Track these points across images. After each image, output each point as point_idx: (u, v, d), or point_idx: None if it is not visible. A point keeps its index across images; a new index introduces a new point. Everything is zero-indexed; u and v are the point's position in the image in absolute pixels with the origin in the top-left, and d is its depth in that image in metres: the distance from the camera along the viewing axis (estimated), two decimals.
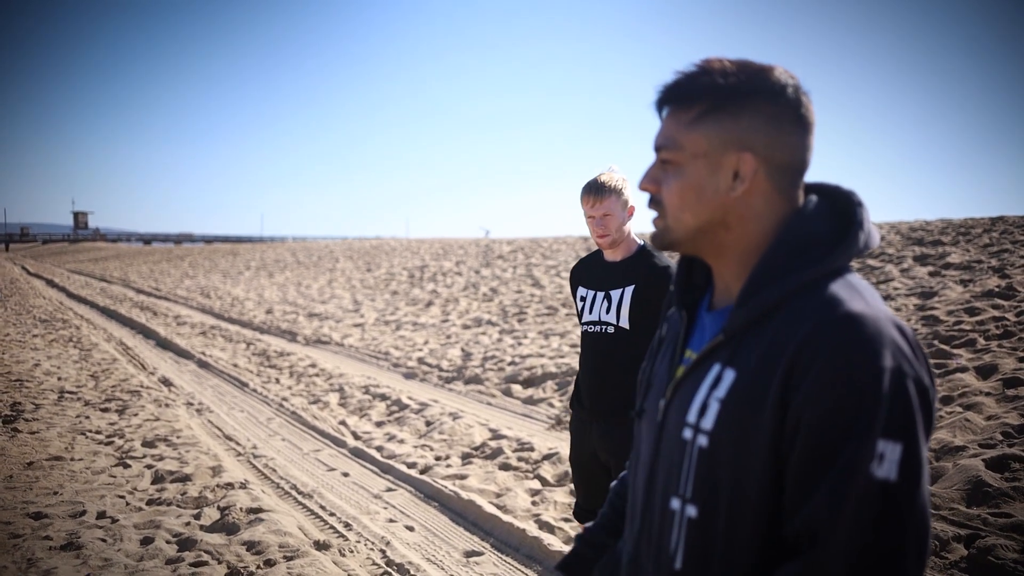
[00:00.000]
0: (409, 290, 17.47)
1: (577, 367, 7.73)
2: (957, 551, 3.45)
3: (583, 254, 20.50)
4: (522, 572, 3.63)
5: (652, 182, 1.05)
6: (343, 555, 3.74)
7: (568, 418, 6.26)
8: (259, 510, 4.21)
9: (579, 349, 8.98)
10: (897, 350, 0.89)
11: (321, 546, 3.80)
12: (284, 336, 12.31)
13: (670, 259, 2.68)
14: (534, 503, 4.51)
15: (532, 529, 4.00)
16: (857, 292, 0.95)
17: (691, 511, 0.99)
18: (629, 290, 2.63)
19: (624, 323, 2.63)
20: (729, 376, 0.97)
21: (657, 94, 1.04)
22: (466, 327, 11.78)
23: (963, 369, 6.00)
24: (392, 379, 8.51)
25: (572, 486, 4.68)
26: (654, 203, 1.06)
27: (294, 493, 4.75)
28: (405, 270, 21.81)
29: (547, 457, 5.18)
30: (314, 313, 14.80)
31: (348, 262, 26.86)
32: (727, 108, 0.99)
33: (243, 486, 4.66)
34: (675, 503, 1.02)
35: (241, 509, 4.21)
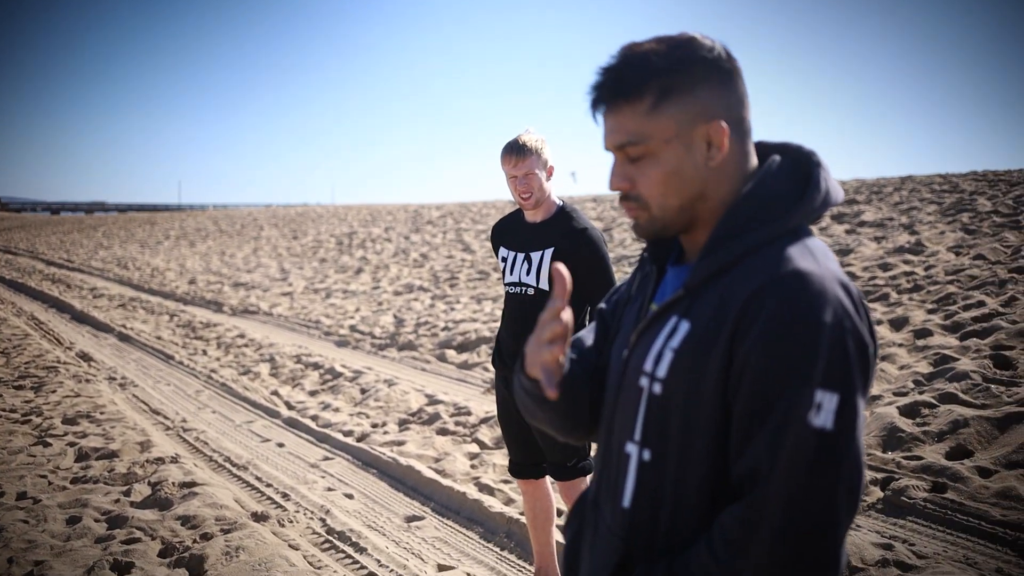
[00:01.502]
0: (338, 257, 17.18)
1: None
2: (874, 494, 3.66)
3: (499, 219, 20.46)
4: (463, 534, 3.68)
5: (625, 180, 1.05)
6: (282, 525, 3.70)
7: None
8: (192, 484, 4.12)
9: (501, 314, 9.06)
10: (839, 306, 0.93)
11: (259, 517, 3.76)
12: (209, 307, 11.96)
13: (589, 220, 2.73)
14: (473, 467, 4.55)
15: (472, 492, 4.04)
16: (808, 251, 0.99)
17: (645, 455, 1.04)
18: (548, 252, 2.66)
19: (544, 285, 2.67)
20: (684, 327, 1.02)
21: (596, 94, 1.03)
22: (397, 293, 11.68)
23: (877, 322, 6.31)
24: (324, 347, 8.39)
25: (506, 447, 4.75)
26: (630, 200, 1.06)
27: (228, 465, 4.66)
28: (333, 237, 21.41)
29: (484, 421, 5.23)
30: (240, 283, 14.41)
31: (273, 230, 26.18)
32: (681, 86, 1.01)
33: (174, 460, 4.55)
34: (630, 447, 1.07)
35: (173, 484, 4.11)
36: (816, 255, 0.99)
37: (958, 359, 5.08)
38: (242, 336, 9.08)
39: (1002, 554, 3.08)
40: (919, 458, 3.83)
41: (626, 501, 1.06)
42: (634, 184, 1.04)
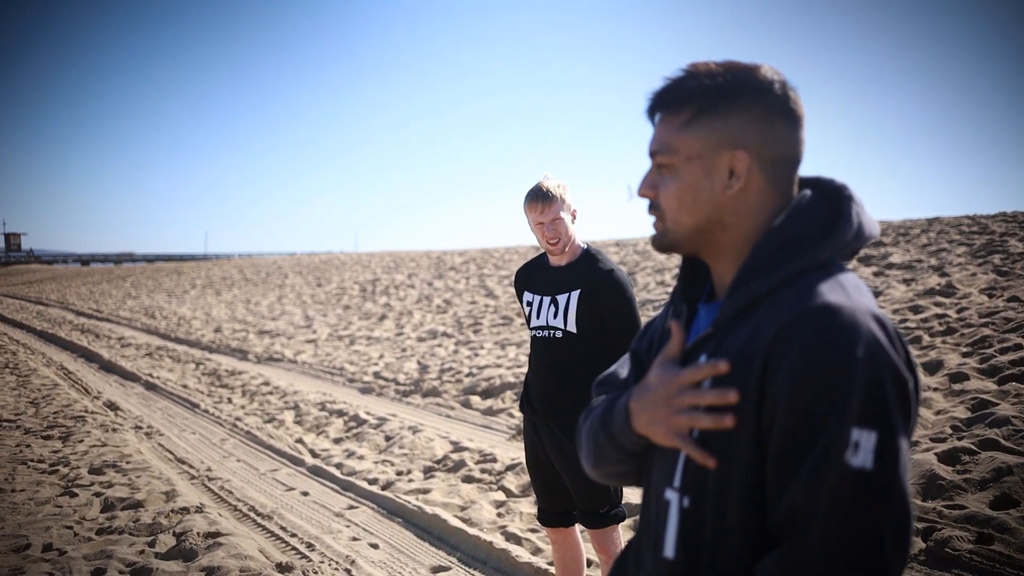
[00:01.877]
0: (361, 304, 17.27)
1: None
2: (916, 545, 3.53)
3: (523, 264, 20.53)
4: None
5: (650, 188, 1.07)
6: None
7: None
8: (217, 534, 4.07)
9: (528, 359, 9.00)
10: (873, 340, 0.89)
11: (284, 568, 3.70)
12: (234, 355, 12.03)
13: (614, 263, 2.73)
14: (499, 515, 4.47)
15: (499, 541, 3.96)
16: (839, 284, 0.96)
17: (685, 501, 1.01)
18: (575, 294, 2.65)
19: (572, 327, 2.66)
20: None
21: (648, 101, 1.06)
22: (421, 339, 11.68)
23: None
24: (348, 394, 8.37)
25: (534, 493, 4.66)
26: (653, 208, 1.07)
27: (252, 515, 4.62)
28: (356, 284, 21.57)
29: (510, 468, 5.15)
30: (265, 330, 14.51)
31: (298, 277, 26.45)
32: (717, 109, 1.01)
33: (199, 510, 4.51)
34: (669, 494, 1.03)
35: (198, 534, 4.07)
36: (847, 289, 0.95)
37: (997, 404, 4.94)
38: (267, 384, 9.09)
39: None
40: (962, 507, 3.70)
41: (668, 551, 1.02)
42: (657, 193, 1.06)
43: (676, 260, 16.15)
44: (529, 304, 2.81)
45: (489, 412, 7.00)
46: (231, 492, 5.09)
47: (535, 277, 2.82)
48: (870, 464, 0.86)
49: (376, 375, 9.23)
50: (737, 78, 1.01)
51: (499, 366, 8.77)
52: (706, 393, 0.97)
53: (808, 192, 1.04)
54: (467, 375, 8.50)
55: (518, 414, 6.76)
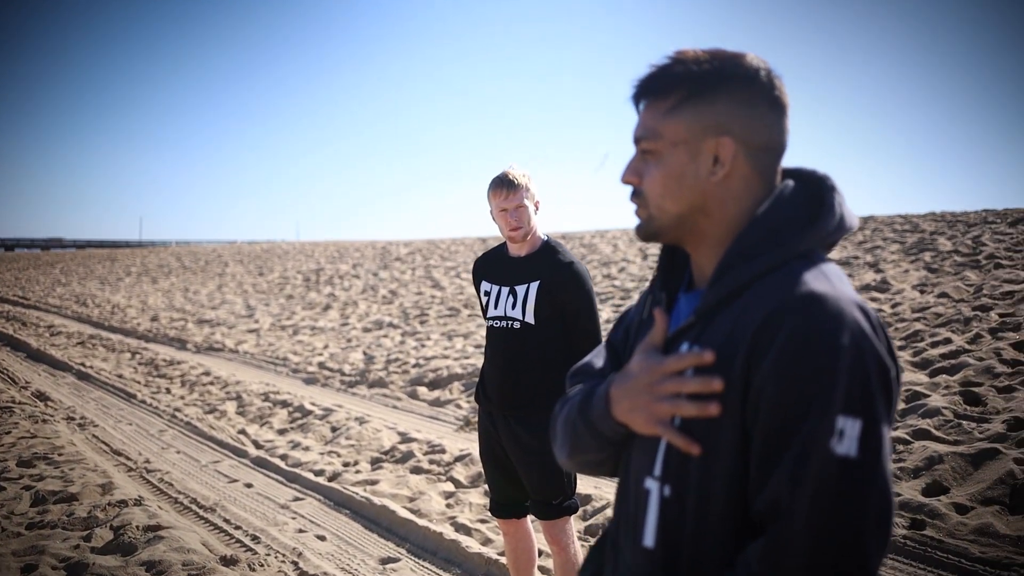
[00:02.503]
0: (305, 294, 16.98)
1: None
2: None
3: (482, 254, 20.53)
4: None
5: (634, 174, 1.06)
6: (252, 569, 3.56)
7: (475, 418, 6.23)
8: (158, 527, 3.95)
9: (484, 349, 8.99)
10: (857, 328, 0.90)
11: (228, 561, 3.61)
12: (173, 344, 11.69)
13: (574, 256, 2.73)
14: (448, 505, 4.46)
15: (449, 532, 3.94)
16: (822, 274, 0.96)
17: (666, 490, 1.00)
18: (534, 285, 2.65)
19: (530, 318, 2.65)
20: None
21: (633, 87, 1.06)
22: (367, 330, 11.55)
23: None
24: (292, 385, 8.23)
25: (486, 487, 4.66)
26: (636, 195, 1.06)
27: (194, 507, 4.49)
28: (300, 273, 21.20)
29: (459, 459, 5.13)
30: (204, 319, 14.13)
31: (239, 266, 25.86)
32: (703, 95, 1.00)
33: (138, 503, 4.37)
34: (649, 483, 1.02)
35: (137, 527, 3.94)
36: (831, 278, 0.96)
37: (929, 395, 5.14)
38: (207, 374, 8.86)
39: None
40: (896, 494, 3.84)
41: (648, 540, 1.01)
42: (641, 180, 1.05)
43: (622, 254, 16.34)
44: (487, 294, 2.78)
45: (436, 403, 6.97)
46: (171, 484, 4.95)
47: (494, 267, 2.80)
48: (854, 452, 0.86)
49: (321, 365, 9.09)
50: (724, 65, 1.01)
51: (446, 357, 8.73)
52: (690, 381, 0.96)
53: (790, 182, 1.05)
54: (414, 366, 8.44)
55: (466, 405, 6.75)
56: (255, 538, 3.99)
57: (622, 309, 10.48)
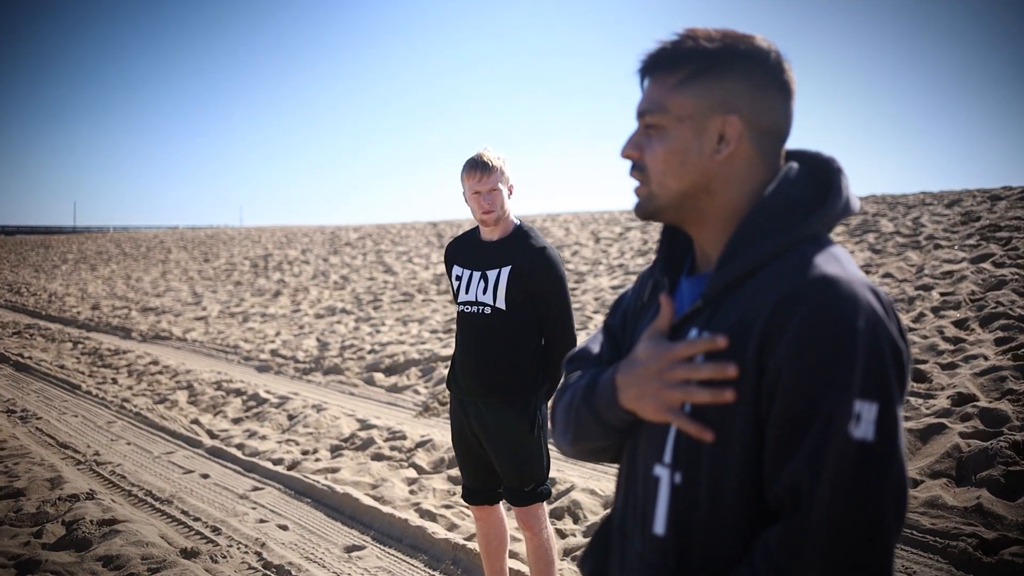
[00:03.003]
0: (254, 280, 16.65)
1: (440, 353, 7.70)
2: None
3: (433, 240, 20.40)
4: (408, 563, 3.56)
5: (635, 148, 1.04)
6: (215, 561, 3.49)
7: (435, 404, 6.21)
8: (113, 521, 3.84)
9: (441, 335, 8.93)
10: (871, 312, 0.89)
11: (190, 554, 3.53)
12: (116, 333, 11.34)
13: (546, 241, 2.69)
14: (412, 492, 4.43)
15: (414, 518, 3.92)
16: (833, 256, 0.95)
17: (677, 477, 0.98)
18: (506, 271, 2.61)
19: (500, 303, 2.61)
20: None
21: (641, 61, 1.03)
22: (319, 316, 11.39)
23: None
24: (245, 373, 8.07)
25: (449, 472, 4.65)
26: (636, 170, 1.04)
27: (150, 500, 4.37)
28: (247, 259, 20.78)
29: (420, 445, 5.11)
30: (149, 307, 13.75)
31: (182, 252, 25.21)
32: (713, 71, 0.99)
33: (90, 496, 4.24)
34: (658, 470, 1.01)
35: (91, 522, 3.82)
36: (841, 260, 0.95)
37: None
38: (155, 363, 8.62)
39: (935, 562, 3.19)
40: None
41: (658, 527, 1.00)
42: (643, 154, 1.03)
43: (575, 238, 16.41)
44: (458, 279, 2.74)
45: (394, 389, 6.92)
46: (124, 477, 4.81)
47: (465, 251, 2.76)
48: (871, 435, 0.86)
49: (273, 353, 8.93)
50: (735, 43, 0.99)
51: (402, 343, 8.67)
52: (703, 367, 0.94)
53: (795, 164, 1.03)
54: (369, 352, 8.36)
55: (424, 390, 6.71)
56: (216, 529, 3.91)
57: (576, 292, 10.54)
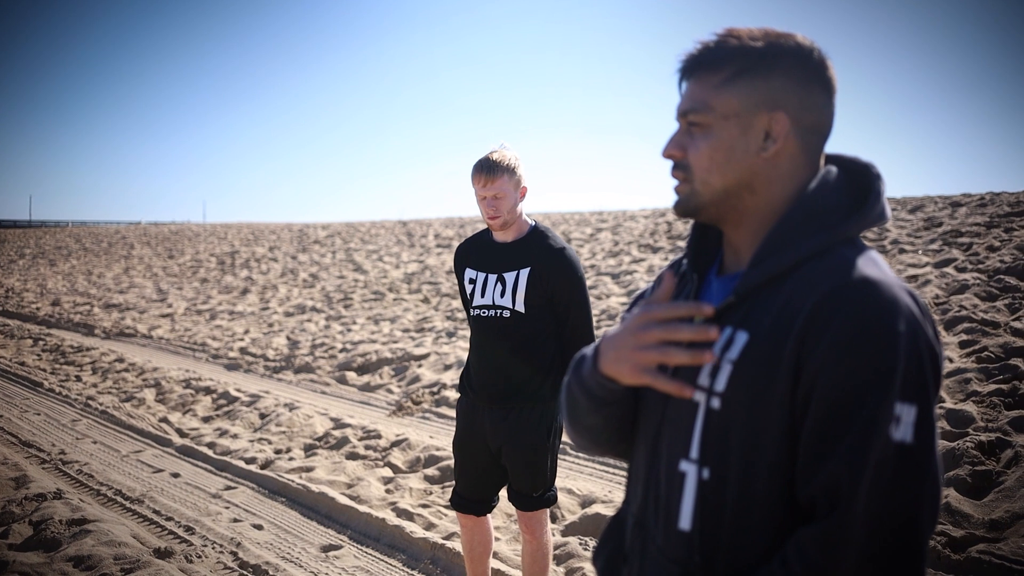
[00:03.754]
0: (221, 277, 16.42)
1: (413, 352, 7.66)
2: None
3: (403, 239, 20.28)
4: (386, 562, 3.54)
5: (678, 147, 1.03)
6: (190, 561, 3.43)
7: (409, 403, 6.18)
8: (83, 520, 3.75)
9: (413, 334, 8.87)
10: (910, 315, 0.90)
11: (163, 554, 3.47)
12: (79, 329, 11.10)
13: (564, 241, 2.60)
14: (388, 491, 4.41)
15: (391, 518, 3.90)
16: (871, 260, 0.96)
17: (704, 473, 0.98)
18: (525, 272, 2.50)
19: (520, 307, 2.50)
20: (742, 338, 0.97)
21: (682, 61, 1.03)
22: (289, 314, 11.27)
23: None
24: (213, 371, 7.95)
25: (425, 472, 4.63)
26: (679, 169, 1.03)
27: (120, 499, 4.29)
28: (213, 256, 20.47)
29: (396, 444, 5.08)
30: (112, 304, 13.47)
31: (146, 248, 24.75)
32: (758, 69, 0.99)
33: (57, 496, 4.14)
34: (684, 465, 1.00)
35: (60, 522, 3.73)
36: (879, 264, 0.96)
37: None
38: (121, 360, 8.45)
39: None
40: None
41: (684, 523, 0.99)
42: (685, 153, 1.02)
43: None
44: (472, 282, 2.63)
45: (367, 388, 6.87)
46: (91, 476, 4.70)
47: (479, 253, 2.64)
48: (910, 438, 0.86)
49: (243, 351, 8.81)
50: (779, 41, 1.00)
51: (374, 341, 8.61)
52: (683, 328, 0.95)
53: (833, 168, 1.03)
54: (341, 351, 8.29)
55: (397, 389, 6.68)
56: (189, 529, 3.84)
57: None
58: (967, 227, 10.88)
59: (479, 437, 2.62)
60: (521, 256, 2.54)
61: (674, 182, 1.05)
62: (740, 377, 0.95)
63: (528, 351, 2.51)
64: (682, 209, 1.05)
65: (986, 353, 5.42)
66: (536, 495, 2.59)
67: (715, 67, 1.00)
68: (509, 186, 2.48)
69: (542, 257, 2.51)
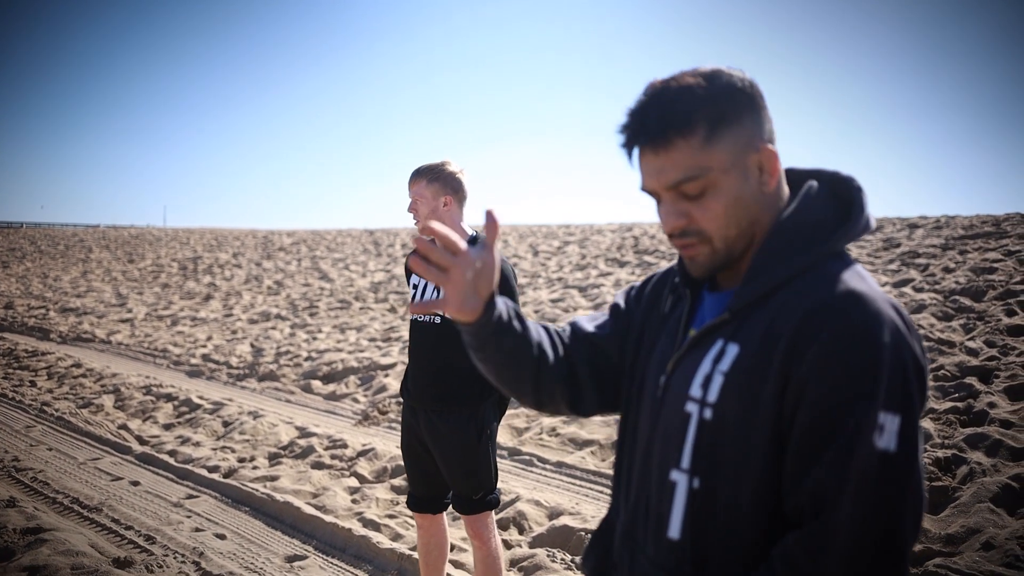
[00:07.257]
0: (183, 283, 16.13)
1: (379, 361, 7.61)
2: None
3: (370, 248, 20.18)
4: (352, 573, 3.50)
5: (683, 216, 1.02)
6: (151, 571, 3.35)
7: (375, 413, 6.13)
8: (39, 529, 3.65)
9: (379, 343, 8.82)
10: (895, 327, 0.93)
11: (123, 563, 3.39)
12: (33, 333, 10.81)
13: (501, 253, 2.71)
14: (354, 501, 4.36)
15: (357, 528, 3.86)
16: (857, 273, 0.99)
17: (695, 483, 0.99)
18: None
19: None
20: (732, 350, 0.99)
21: (639, 132, 1.00)
22: (253, 321, 11.12)
23: None
24: (175, 378, 7.80)
25: (392, 482, 4.60)
26: (689, 236, 1.03)
27: (77, 508, 4.18)
28: (175, 261, 20.12)
29: (362, 453, 5.04)
30: (69, 308, 13.15)
31: (104, 252, 24.23)
32: (728, 115, 0.99)
33: (11, 504, 4.02)
34: (675, 475, 1.02)
35: (14, 530, 3.63)
36: (865, 278, 0.99)
37: None
38: (78, 365, 8.25)
39: None
40: None
41: (674, 531, 1.01)
42: (692, 219, 1.01)
43: (512, 250, 16.48)
44: (415, 287, 2.75)
45: (332, 397, 6.80)
46: (47, 484, 4.58)
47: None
48: (893, 446, 0.88)
49: (205, 358, 8.66)
50: (724, 81, 1.00)
51: (340, 350, 8.54)
52: (437, 249, 1.05)
53: (814, 183, 1.06)
54: (306, 359, 8.20)
55: (363, 399, 6.63)
56: (149, 538, 3.76)
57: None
58: (924, 248, 11.18)
59: (418, 438, 2.72)
60: None
61: (683, 248, 1.04)
62: (731, 388, 0.98)
63: (458, 356, 2.56)
64: (707, 271, 1.04)
65: (942, 371, 5.57)
66: (476, 498, 2.66)
67: (687, 128, 0.98)
68: (427, 191, 2.61)
69: None
